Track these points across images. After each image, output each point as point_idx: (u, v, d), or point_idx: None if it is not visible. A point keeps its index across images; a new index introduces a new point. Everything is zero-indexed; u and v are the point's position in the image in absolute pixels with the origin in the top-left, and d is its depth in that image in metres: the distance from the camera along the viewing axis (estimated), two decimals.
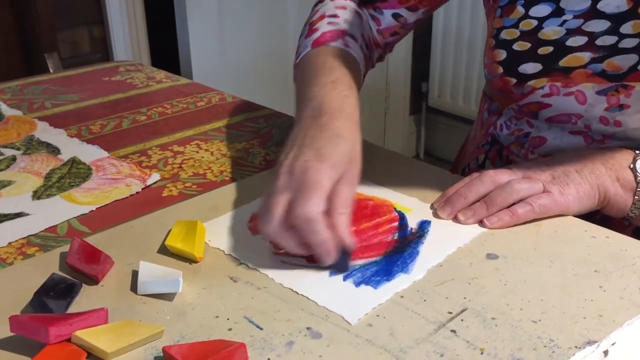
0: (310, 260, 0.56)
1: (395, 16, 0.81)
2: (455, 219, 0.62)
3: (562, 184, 0.62)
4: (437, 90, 2.62)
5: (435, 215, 0.63)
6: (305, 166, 0.55)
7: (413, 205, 0.65)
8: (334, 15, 0.79)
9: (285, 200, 0.54)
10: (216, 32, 2.05)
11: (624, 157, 0.64)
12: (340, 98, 0.63)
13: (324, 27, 0.77)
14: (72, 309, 0.50)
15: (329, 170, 0.55)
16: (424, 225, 0.62)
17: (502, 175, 0.63)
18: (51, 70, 1.56)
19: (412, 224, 0.62)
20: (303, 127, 0.61)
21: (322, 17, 0.79)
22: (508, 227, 0.61)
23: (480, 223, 0.61)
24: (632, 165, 0.63)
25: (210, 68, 2.06)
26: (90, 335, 0.45)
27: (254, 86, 2.15)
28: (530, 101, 0.71)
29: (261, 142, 0.83)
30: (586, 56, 0.66)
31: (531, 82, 0.70)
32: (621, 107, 0.66)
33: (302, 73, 0.72)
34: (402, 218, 0.63)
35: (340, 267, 0.55)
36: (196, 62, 2.02)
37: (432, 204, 0.65)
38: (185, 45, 1.99)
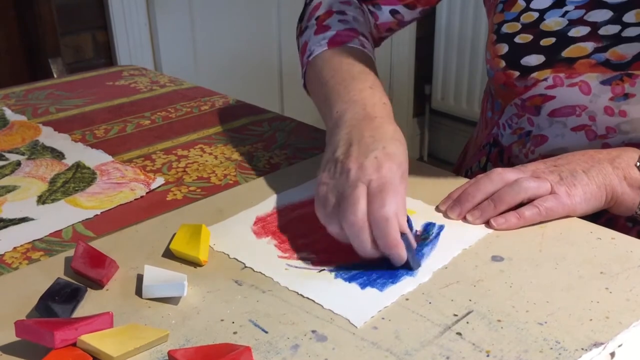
0: (316, 264, 0.56)
1: (393, 12, 0.81)
2: (464, 219, 0.62)
3: (569, 185, 0.62)
4: (440, 93, 2.62)
5: (440, 217, 0.63)
6: (377, 163, 0.57)
7: (417, 208, 0.65)
8: (343, 12, 0.79)
9: (364, 193, 0.55)
10: (188, 27, 2.02)
11: (631, 156, 0.64)
12: (382, 105, 0.65)
13: (336, 25, 0.77)
14: (77, 314, 0.50)
15: (398, 170, 0.57)
16: (428, 228, 0.62)
17: (510, 174, 0.63)
18: (55, 75, 1.57)
19: (417, 226, 0.62)
20: (356, 127, 0.62)
21: (330, 13, 0.79)
22: (514, 228, 0.61)
23: (487, 224, 0.61)
24: (638, 164, 0.63)
25: (182, 64, 2.03)
26: (95, 340, 0.45)
27: (232, 82, 2.12)
28: (533, 94, 0.71)
29: (265, 146, 0.83)
30: (589, 46, 0.67)
31: (534, 74, 0.70)
32: (626, 96, 0.66)
33: (324, 72, 0.72)
34: (406, 220, 0.63)
35: (413, 264, 0.55)
36: (166, 56, 1.98)
37: (436, 206, 0.65)
38: (155, 40, 1.97)
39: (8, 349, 0.47)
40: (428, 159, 2.79)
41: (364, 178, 0.56)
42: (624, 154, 0.64)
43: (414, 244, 0.56)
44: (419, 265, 0.56)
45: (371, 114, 0.63)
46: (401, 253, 0.54)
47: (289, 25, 2.21)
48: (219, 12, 2.07)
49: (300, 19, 0.83)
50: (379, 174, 0.56)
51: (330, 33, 0.76)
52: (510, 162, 0.79)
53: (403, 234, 0.55)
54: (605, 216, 0.67)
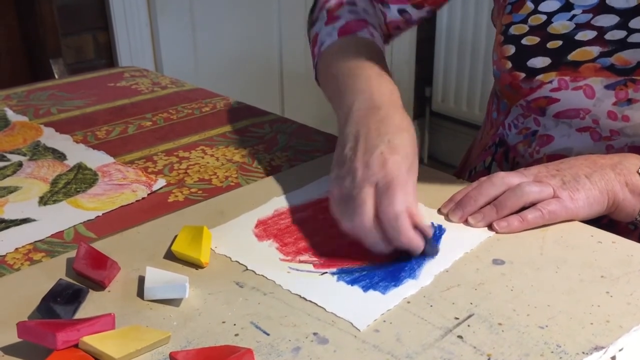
0: (318, 266, 0.56)
1: (401, 12, 0.82)
2: (466, 222, 0.62)
3: (572, 190, 0.62)
4: (440, 95, 2.62)
5: (441, 220, 0.63)
6: (382, 159, 0.57)
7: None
8: (353, 3, 0.80)
9: (371, 194, 0.56)
10: (189, 28, 2.02)
11: (633, 162, 0.64)
12: (389, 92, 0.66)
13: (346, 15, 0.78)
14: (79, 315, 0.51)
15: (404, 163, 0.57)
16: None
17: (512, 178, 0.63)
18: (56, 76, 1.57)
19: None
20: (362, 120, 0.62)
21: (340, 4, 0.80)
22: (517, 231, 0.61)
23: (490, 227, 0.61)
24: None
25: (183, 65, 2.03)
26: (97, 341, 0.45)
27: (232, 84, 2.12)
28: (538, 96, 0.72)
29: (266, 148, 0.83)
30: (595, 50, 0.67)
31: (540, 77, 0.70)
32: (629, 101, 0.67)
33: (334, 62, 0.73)
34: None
35: (430, 252, 0.57)
36: (167, 58, 1.98)
37: (438, 209, 0.65)
38: (156, 41, 1.97)
39: (10, 350, 0.47)
40: (428, 162, 2.79)
41: (371, 178, 0.57)
42: (626, 161, 0.64)
43: (429, 233, 0.57)
44: (436, 252, 0.57)
45: (377, 104, 0.64)
46: (418, 245, 0.56)
47: (289, 27, 2.21)
48: (219, 14, 2.08)
49: (312, 11, 0.84)
50: (384, 171, 0.56)
51: (340, 23, 0.77)
52: (515, 161, 0.79)
53: (416, 227, 0.56)
54: (607, 218, 0.67)
